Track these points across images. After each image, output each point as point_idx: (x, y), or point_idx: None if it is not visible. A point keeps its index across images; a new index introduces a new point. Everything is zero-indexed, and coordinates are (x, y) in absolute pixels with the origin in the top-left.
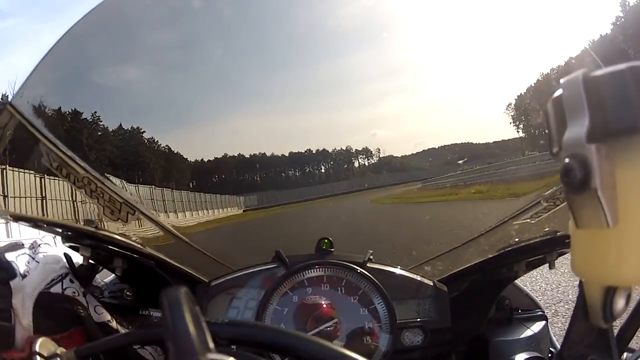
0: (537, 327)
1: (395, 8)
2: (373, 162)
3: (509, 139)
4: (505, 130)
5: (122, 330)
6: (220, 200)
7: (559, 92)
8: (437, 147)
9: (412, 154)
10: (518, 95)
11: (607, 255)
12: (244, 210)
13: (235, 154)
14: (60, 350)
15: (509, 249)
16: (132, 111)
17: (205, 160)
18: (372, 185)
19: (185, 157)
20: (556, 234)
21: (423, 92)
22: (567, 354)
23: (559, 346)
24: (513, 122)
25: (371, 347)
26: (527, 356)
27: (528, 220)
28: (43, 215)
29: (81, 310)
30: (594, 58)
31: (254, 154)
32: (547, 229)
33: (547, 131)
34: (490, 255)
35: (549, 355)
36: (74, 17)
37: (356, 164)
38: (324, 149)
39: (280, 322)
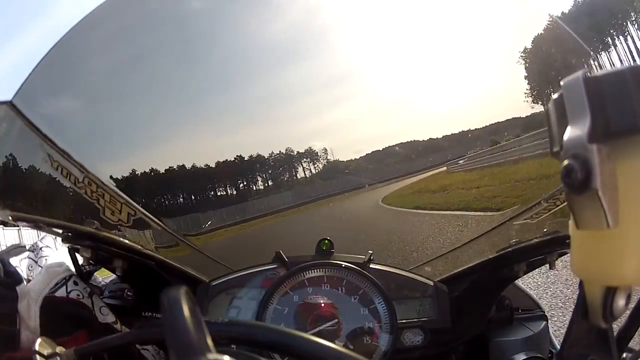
0: (537, 327)
1: (326, 20)
2: (322, 167)
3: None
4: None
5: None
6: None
7: (559, 92)
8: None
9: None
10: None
11: (607, 256)
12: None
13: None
14: (59, 349)
15: (510, 249)
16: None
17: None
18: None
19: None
20: (556, 234)
21: (364, 98)
22: (567, 354)
23: (559, 346)
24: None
25: (371, 347)
26: (527, 356)
27: (528, 220)
28: (44, 215)
29: (86, 313)
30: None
31: (193, 171)
32: (547, 230)
33: (547, 131)
34: (490, 256)
35: (549, 355)
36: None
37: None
38: (261, 157)
39: (281, 322)
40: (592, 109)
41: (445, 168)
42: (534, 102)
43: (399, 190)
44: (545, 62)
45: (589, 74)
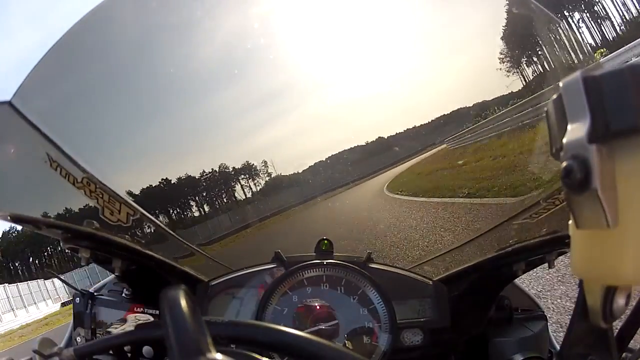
0: (536, 327)
1: (254, 40)
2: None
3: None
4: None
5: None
6: None
7: (559, 93)
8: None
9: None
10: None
11: (607, 255)
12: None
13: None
14: (59, 349)
15: (509, 248)
16: None
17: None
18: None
19: None
20: (556, 234)
21: (300, 110)
22: (567, 354)
23: (558, 346)
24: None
25: (371, 347)
26: (527, 356)
27: (527, 219)
28: (42, 216)
29: None
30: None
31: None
32: (546, 229)
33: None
34: (489, 255)
35: (549, 355)
36: None
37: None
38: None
39: (280, 321)
40: (592, 109)
41: (445, 145)
42: (508, 72)
43: (403, 173)
44: (510, 32)
45: (588, 74)
